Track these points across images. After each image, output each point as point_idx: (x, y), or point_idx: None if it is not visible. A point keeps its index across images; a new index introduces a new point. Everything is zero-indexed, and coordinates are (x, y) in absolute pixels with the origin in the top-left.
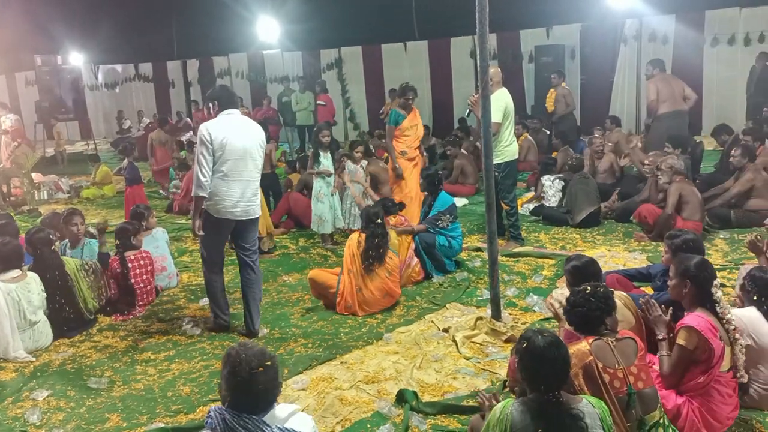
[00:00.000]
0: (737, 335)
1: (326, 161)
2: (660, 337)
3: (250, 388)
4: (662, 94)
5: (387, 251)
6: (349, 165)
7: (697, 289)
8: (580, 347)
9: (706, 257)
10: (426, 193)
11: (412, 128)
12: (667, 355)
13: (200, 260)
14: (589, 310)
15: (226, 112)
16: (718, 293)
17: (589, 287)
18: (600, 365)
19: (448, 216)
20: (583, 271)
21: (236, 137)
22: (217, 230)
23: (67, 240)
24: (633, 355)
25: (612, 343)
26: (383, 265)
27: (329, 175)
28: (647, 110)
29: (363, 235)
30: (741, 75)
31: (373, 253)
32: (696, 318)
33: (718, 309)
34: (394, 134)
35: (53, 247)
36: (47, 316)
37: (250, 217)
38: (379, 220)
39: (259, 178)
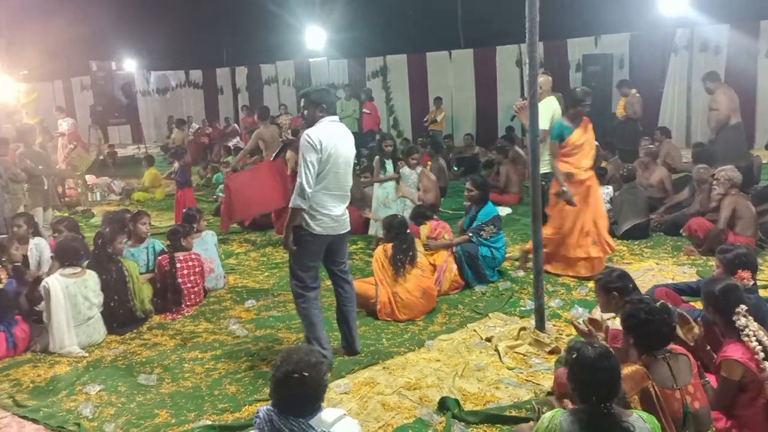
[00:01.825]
0: (765, 365)
1: (390, 168)
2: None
3: (297, 391)
4: (730, 105)
5: (417, 253)
6: (404, 170)
7: (720, 315)
8: (636, 370)
9: (757, 273)
10: (468, 203)
11: (582, 145)
12: (706, 382)
13: (287, 275)
14: (660, 331)
15: (330, 119)
16: (741, 320)
17: (661, 308)
18: (657, 388)
19: (491, 227)
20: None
21: (342, 147)
22: (316, 248)
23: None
24: (689, 372)
25: (669, 360)
26: (415, 265)
27: (395, 179)
28: (716, 122)
29: (389, 245)
30: None
31: (402, 257)
32: (735, 348)
33: (743, 337)
34: (558, 152)
35: (120, 245)
36: (102, 313)
37: (346, 231)
38: (407, 230)
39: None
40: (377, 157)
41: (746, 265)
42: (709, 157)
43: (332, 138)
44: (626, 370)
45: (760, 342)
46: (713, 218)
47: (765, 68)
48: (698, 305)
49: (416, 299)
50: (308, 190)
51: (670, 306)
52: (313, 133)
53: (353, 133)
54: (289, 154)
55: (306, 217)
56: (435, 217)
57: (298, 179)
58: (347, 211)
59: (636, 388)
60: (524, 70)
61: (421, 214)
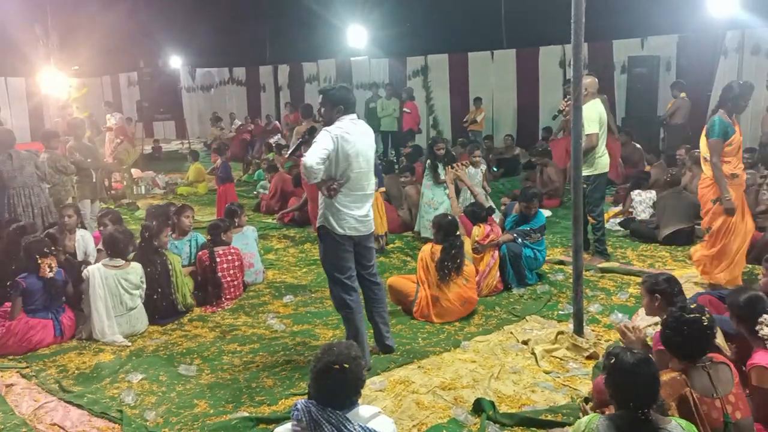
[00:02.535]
0: None
1: (441, 171)
2: None
3: (337, 383)
4: None
5: (464, 260)
6: (469, 169)
7: (743, 325)
8: (675, 377)
9: None
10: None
11: (740, 143)
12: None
13: (325, 281)
14: (699, 339)
15: (350, 118)
16: (764, 330)
17: (697, 313)
18: (696, 396)
19: (538, 234)
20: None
21: (362, 146)
22: (343, 248)
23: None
24: (730, 382)
25: (709, 370)
26: (461, 273)
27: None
28: None
29: (437, 247)
30: None
31: (450, 264)
32: (764, 356)
33: (767, 345)
34: (722, 152)
35: (165, 238)
36: (144, 304)
37: (371, 232)
38: (458, 232)
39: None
40: (429, 161)
41: None
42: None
43: (352, 136)
44: (665, 376)
45: None
46: (762, 225)
47: None
48: None
49: (456, 308)
50: (315, 166)
51: (712, 314)
52: (334, 130)
53: (392, 132)
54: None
55: (330, 217)
56: (491, 218)
57: (305, 155)
58: (371, 212)
59: (674, 395)
60: (567, 72)
61: (478, 215)
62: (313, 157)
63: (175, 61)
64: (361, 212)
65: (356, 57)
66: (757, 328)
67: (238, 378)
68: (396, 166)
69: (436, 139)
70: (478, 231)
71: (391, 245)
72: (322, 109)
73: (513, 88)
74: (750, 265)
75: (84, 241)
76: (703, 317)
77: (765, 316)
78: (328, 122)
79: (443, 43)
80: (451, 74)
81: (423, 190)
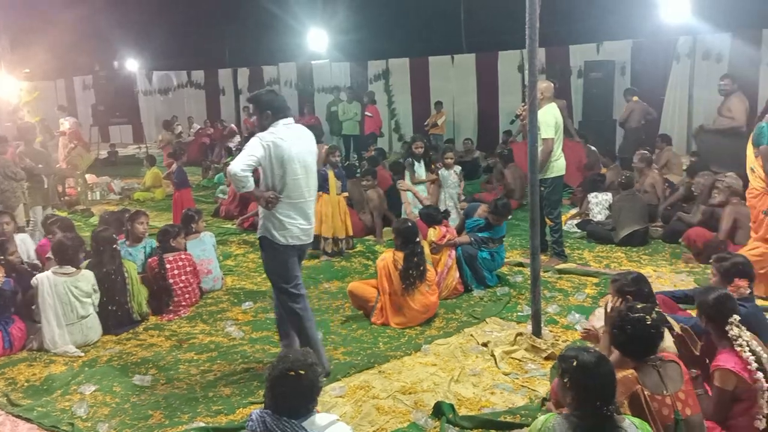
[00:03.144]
0: (758, 375)
1: (420, 171)
2: (693, 374)
3: (293, 390)
4: (746, 112)
5: (426, 265)
6: (442, 171)
7: (713, 324)
8: (626, 374)
9: (753, 282)
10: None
11: None
12: (703, 393)
13: (271, 292)
14: (646, 340)
15: (284, 123)
16: (734, 330)
17: (643, 312)
18: (647, 393)
19: (496, 244)
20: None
21: (298, 151)
22: (288, 257)
23: (124, 238)
24: (680, 379)
25: (659, 368)
26: (424, 280)
27: (433, 182)
28: (731, 129)
29: (399, 254)
30: None
31: (414, 273)
32: (728, 357)
33: (735, 347)
34: None
35: (115, 245)
36: (98, 312)
37: (310, 242)
38: (417, 239)
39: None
40: (408, 159)
41: (743, 274)
42: (704, 168)
43: (286, 141)
44: (617, 375)
45: (753, 352)
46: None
47: (767, 77)
48: (695, 313)
49: (419, 314)
50: (239, 173)
51: (662, 314)
52: (265, 136)
53: (354, 136)
54: None
55: (271, 228)
56: (445, 221)
57: (233, 163)
58: (313, 220)
59: (626, 393)
60: (526, 76)
61: (433, 217)
62: (239, 164)
63: (132, 64)
64: (304, 221)
65: (317, 60)
66: (727, 328)
67: (194, 387)
68: (358, 171)
69: (414, 138)
70: (433, 232)
71: (352, 249)
72: (253, 117)
73: (473, 92)
74: (702, 266)
75: (25, 245)
76: (648, 316)
77: (735, 316)
78: (262, 129)
79: (404, 47)
80: (412, 78)
81: (407, 193)
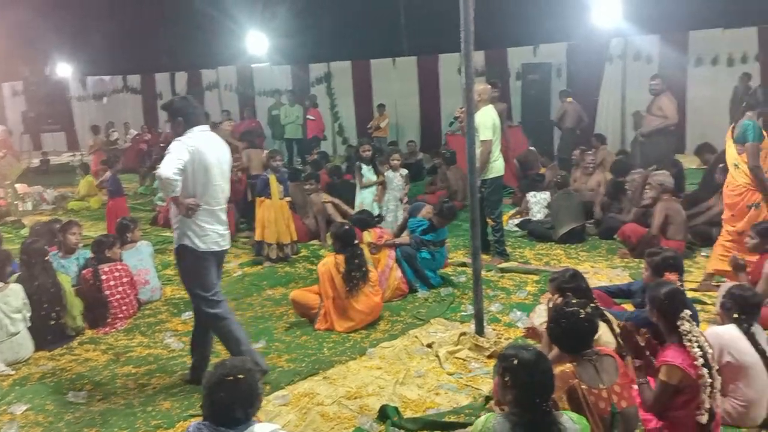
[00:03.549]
0: (703, 371)
1: (368, 173)
2: (636, 365)
3: (231, 396)
4: (676, 111)
5: (368, 266)
6: (388, 173)
7: (664, 319)
8: (564, 369)
9: (684, 274)
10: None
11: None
12: (645, 383)
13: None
14: (580, 333)
15: (200, 129)
16: (685, 325)
17: (581, 309)
18: (584, 387)
19: (438, 247)
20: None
21: (214, 158)
22: (207, 264)
23: (56, 250)
24: (615, 373)
25: (595, 362)
26: (367, 281)
27: (381, 184)
28: (664, 126)
29: (340, 257)
30: (724, 95)
31: (357, 274)
32: (676, 353)
33: (685, 342)
34: (759, 154)
35: (46, 258)
36: (30, 328)
37: (227, 248)
38: (356, 241)
39: None
40: (357, 163)
41: (673, 267)
42: (625, 168)
43: (204, 147)
44: (554, 370)
45: (701, 348)
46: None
47: (694, 77)
48: (629, 307)
49: (364, 316)
50: (171, 177)
51: (597, 309)
52: (187, 140)
53: (297, 139)
54: None
55: (191, 235)
56: (379, 226)
57: (159, 166)
58: (228, 227)
59: (563, 387)
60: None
61: (366, 222)
62: (170, 167)
63: (65, 69)
64: (221, 227)
65: (258, 64)
66: (679, 323)
67: (132, 402)
68: (301, 175)
69: (361, 141)
70: (368, 235)
71: (297, 255)
72: (168, 125)
73: (415, 95)
74: (636, 260)
75: None
76: (582, 311)
77: (686, 311)
78: (176, 136)
79: (346, 50)
80: (354, 81)
81: (357, 196)
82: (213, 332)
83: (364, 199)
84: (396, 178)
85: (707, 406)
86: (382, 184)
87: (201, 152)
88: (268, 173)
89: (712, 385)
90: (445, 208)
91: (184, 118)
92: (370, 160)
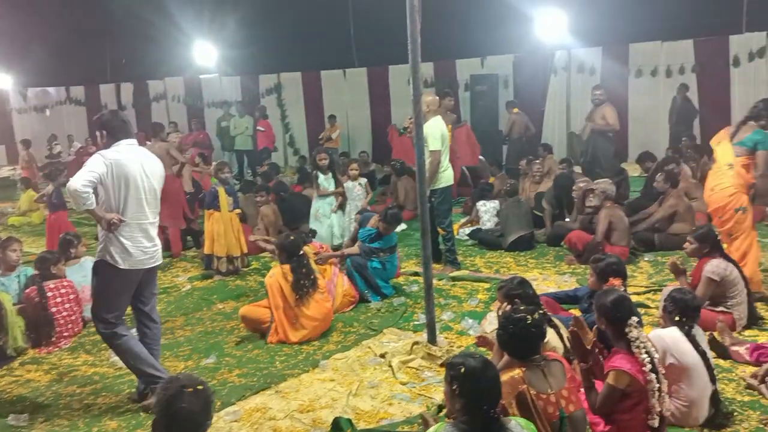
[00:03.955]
0: (651, 376)
1: (326, 183)
2: (583, 368)
3: (177, 407)
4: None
5: (315, 274)
6: (347, 183)
7: (612, 326)
8: (513, 375)
9: (628, 279)
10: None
11: None
12: (591, 386)
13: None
14: (527, 339)
15: (127, 143)
16: (633, 332)
17: (528, 315)
18: (533, 392)
19: (386, 254)
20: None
21: (140, 172)
22: (124, 284)
23: None
24: (563, 377)
25: (543, 368)
26: (316, 288)
27: (339, 194)
28: (611, 132)
29: (286, 267)
30: (663, 105)
31: (306, 282)
32: (624, 359)
33: (633, 348)
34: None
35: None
36: None
37: (158, 263)
38: (301, 252)
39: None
40: (314, 172)
41: (617, 273)
42: (567, 181)
43: (126, 161)
44: (504, 377)
45: (648, 353)
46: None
47: (634, 87)
48: (576, 312)
49: (317, 323)
50: (80, 189)
51: (545, 315)
52: (107, 153)
53: (247, 151)
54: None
55: (113, 251)
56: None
57: (71, 179)
58: (159, 243)
59: (512, 393)
60: None
61: (295, 245)
62: (80, 180)
63: (4, 81)
64: (147, 243)
65: (206, 75)
66: (626, 330)
67: (77, 423)
68: (253, 186)
69: (318, 150)
70: (308, 249)
71: (248, 267)
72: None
73: (366, 106)
74: (583, 266)
75: None
76: (529, 316)
77: (634, 318)
78: (105, 148)
79: (296, 61)
80: (305, 92)
81: (313, 204)
82: (114, 351)
83: (320, 208)
84: (355, 188)
85: (658, 409)
86: (342, 195)
87: (122, 165)
88: (216, 186)
89: (659, 390)
90: (389, 214)
91: (109, 131)
92: (328, 168)
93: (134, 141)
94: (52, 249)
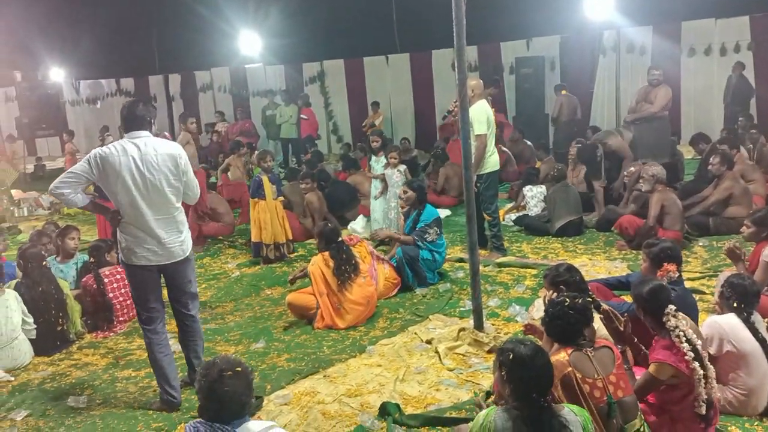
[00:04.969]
0: (694, 365)
1: (376, 165)
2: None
3: (218, 392)
4: (668, 104)
5: (356, 259)
6: (387, 171)
7: (650, 316)
8: (559, 358)
9: (683, 265)
10: (406, 207)
11: None
12: (628, 369)
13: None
14: (568, 323)
15: (130, 136)
16: (671, 321)
17: (567, 299)
18: (579, 376)
19: (435, 229)
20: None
21: (133, 169)
22: (143, 281)
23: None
24: (611, 364)
25: (590, 353)
26: (358, 273)
27: (379, 178)
28: (648, 114)
29: (326, 254)
30: (717, 84)
31: (347, 267)
32: (666, 351)
33: (673, 338)
34: None
35: (44, 263)
36: (37, 333)
37: (177, 260)
38: (339, 239)
39: (179, 210)
40: (369, 154)
41: (671, 258)
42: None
43: (118, 157)
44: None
45: (689, 341)
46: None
47: (687, 67)
48: (628, 299)
49: (361, 307)
50: (53, 190)
51: (592, 301)
52: (96, 150)
53: (292, 139)
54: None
55: (123, 248)
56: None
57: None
58: (178, 238)
59: (558, 376)
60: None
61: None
62: (56, 180)
63: (57, 74)
64: (153, 240)
65: (251, 64)
66: (665, 319)
67: (132, 405)
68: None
69: (373, 132)
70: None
71: (295, 254)
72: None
73: (409, 92)
74: (634, 251)
75: None
76: (570, 301)
77: (671, 306)
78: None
79: (338, 48)
80: (347, 79)
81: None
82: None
83: (375, 190)
84: (395, 174)
85: (704, 397)
86: (384, 181)
87: (107, 161)
88: (260, 175)
89: (705, 377)
90: (415, 186)
91: (122, 123)
92: (380, 150)
93: (145, 133)
94: (105, 237)
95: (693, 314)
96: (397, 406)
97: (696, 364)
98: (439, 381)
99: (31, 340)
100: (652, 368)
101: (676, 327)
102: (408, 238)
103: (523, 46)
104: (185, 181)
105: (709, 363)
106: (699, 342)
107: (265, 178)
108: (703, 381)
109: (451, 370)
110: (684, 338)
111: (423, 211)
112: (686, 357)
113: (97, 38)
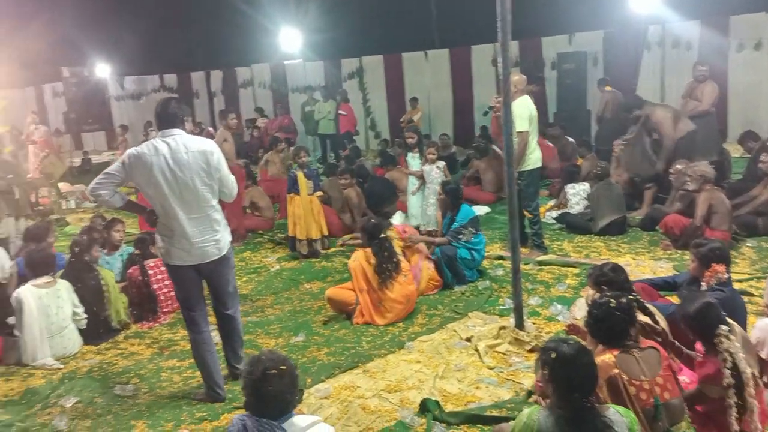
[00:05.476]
0: (729, 393)
1: (412, 161)
2: None
3: (263, 391)
4: (714, 100)
5: (398, 257)
6: (425, 167)
7: (700, 336)
8: (605, 359)
9: (731, 267)
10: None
11: None
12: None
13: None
14: (613, 324)
15: (162, 134)
16: (724, 343)
17: (612, 299)
18: (625, 378)
19: (470, 229)
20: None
21: (165, 167)
22: (183, 279)
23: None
24: (657, 365)
25: (636, 354)
26: (399, 271)
27: (416, 174)
28: (698, 113)
29: (369, 251)
30: (767, 80)
31: (389, 265)
32: (714, 374)
33: (719, 360)
34: None
35: (96, 253)
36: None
37: (211, 260)
38: (383, 234)
39: (214, 208)
40: (406, 150)
41: (720, 258)
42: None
43: (150, 156)
44: (595, 360)
45: (735, 367)
46: (680, 210)
47: (736, 63)
48: (674, 299)
49: (401, 305)
50: (89, 192)
51: (637, 301)
52: (130, 150)
53: (330, 134)
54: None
55: (160, 247)
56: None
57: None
58: (213, 237)
59: (603, 377)
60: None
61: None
62: (93, 182)
63: (103, 70)
64: (186, 240)
65: (290, 60)
66: (716, 341)
67: (177, 395)
68: (336, 168)
69: (408, 128)
70: (392, 233)
71: (333, 249)
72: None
73: (448, 87)
74: (680, 251)
75: None
76: (614, 301)
77: (722, 327)
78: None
79: (377, 44)
80: (386, 75)
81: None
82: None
83: (410, 186)
84: (433, 171)
85: (735, 428)
86: (420, 176)
87: (140, 160)
88: (295, 170)
89: (742, 407)
90: (448, 189)
91: (156, 122)
92: (416, 147)
93: (178, 131)
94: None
95: (741, 316)
96: (437, 403)
97: (731, 392)
98: (479, 379)
99: (79, 330)
100: (703, 386)
101: (726, 350)
102: (443, 239)
103: (565, 41)
104: (219, 179)
105: (753, 397)
106: (749, 371)
107: (300, 174)
108: (734, 410)
109: (491, 368)
110: (729, 363)
111: (458, 212)
112: (724, 382)
113: (141, 35)
